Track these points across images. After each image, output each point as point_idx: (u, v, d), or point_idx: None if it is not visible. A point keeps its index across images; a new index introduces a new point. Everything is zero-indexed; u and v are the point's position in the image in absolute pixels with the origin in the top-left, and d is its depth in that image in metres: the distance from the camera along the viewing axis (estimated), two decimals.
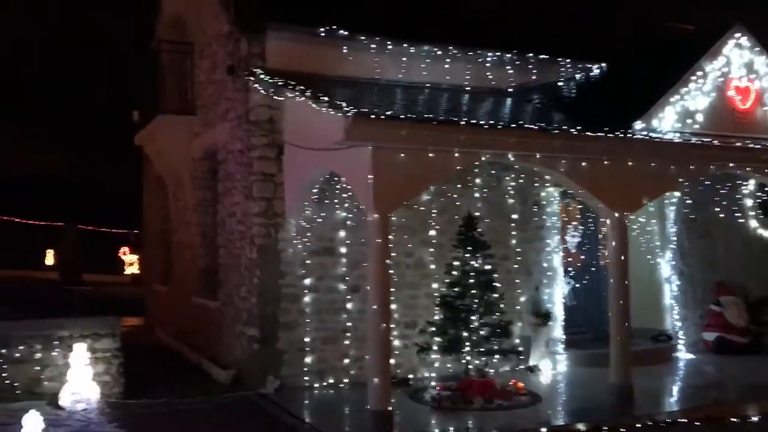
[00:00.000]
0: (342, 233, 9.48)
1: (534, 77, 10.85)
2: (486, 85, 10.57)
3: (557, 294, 10.73)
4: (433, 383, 8.97)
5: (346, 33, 9.52)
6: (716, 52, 9.90)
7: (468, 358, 8.55)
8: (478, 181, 10.16)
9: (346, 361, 9.39)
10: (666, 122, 9.44)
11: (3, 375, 8.18)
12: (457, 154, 7.74)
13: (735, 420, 7.81)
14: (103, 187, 33.69)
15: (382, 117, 7.34)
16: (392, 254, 7.89)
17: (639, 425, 7.55)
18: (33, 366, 8.46)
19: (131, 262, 26.28)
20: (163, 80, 12.33)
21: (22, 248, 27.01)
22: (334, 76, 9.55)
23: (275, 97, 9.07)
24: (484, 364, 8.56)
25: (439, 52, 10.22)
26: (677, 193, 11.00)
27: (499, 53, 10.51)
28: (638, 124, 9.17)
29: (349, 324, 9.43)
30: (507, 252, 10.33)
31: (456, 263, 8.75)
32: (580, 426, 7.58)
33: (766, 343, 11.66)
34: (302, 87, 8.42)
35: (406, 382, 9.20)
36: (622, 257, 8.76)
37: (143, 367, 10.11)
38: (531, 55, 10.69)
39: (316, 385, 9.20)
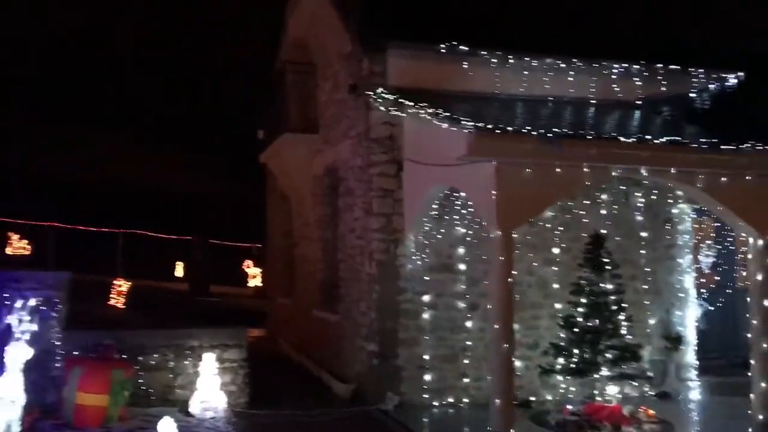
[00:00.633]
0: (461, 250, 9.38)
1: (663, 88, 10.36)
2: (612, 98, 10.19)
3: (689, 317, 10.21)
4: (557, 407, 8.67)
5: (466, 48, 9.46)
6: None
7: (595, 382, 8.19)
8: (604, 197, 9.81)
9: (466, 380, 9.26)
10: None
11: (140, 381, 8.59)
12: (586, 170, 7.49)
13: None
14: (229, 203, 35.38)
15: (507, 131, 7.22)
16: (514, 272, 7.73)
17: None
18: (167, 374, 8.85)
19: (254, 275, 27.21)
20: (287, 100, 12.76)
21: (155, 260, 28.62)
22: (454, 92, 9.50)
23: (396, 114, 9.13)
24: (615, 389, 8.19)
25: (563, 65, 9.94)
26: None
27: (626, 65, 10.12)
28: None
29: (468, 343, 9.30)
30: (635, 272, 9.93)
31: (582, 282, 8.46)
32: None
33: None
34: (423, 103, 8.43)
35: (528, 405, 8.95)
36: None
37: (266, 378, 10.39)
38: (660, 66, 10.23)
39: (435, 403, 9.11)
